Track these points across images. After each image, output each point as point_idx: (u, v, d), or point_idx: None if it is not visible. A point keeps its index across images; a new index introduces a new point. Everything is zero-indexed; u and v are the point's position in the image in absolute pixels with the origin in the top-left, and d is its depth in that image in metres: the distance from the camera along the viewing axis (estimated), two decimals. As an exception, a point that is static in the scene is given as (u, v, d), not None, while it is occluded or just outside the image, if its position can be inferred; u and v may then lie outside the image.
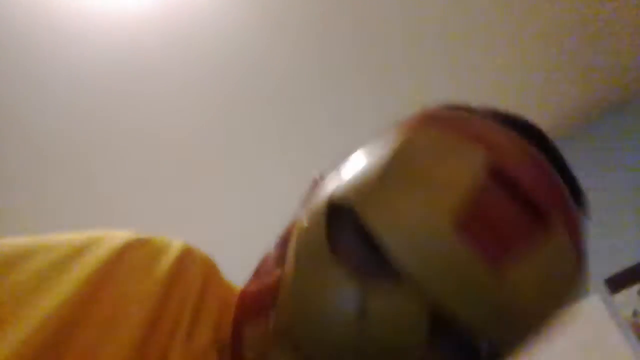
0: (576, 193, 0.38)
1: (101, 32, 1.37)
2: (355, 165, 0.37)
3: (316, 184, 0.42)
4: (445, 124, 0.36)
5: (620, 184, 1.77)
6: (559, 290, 0.34)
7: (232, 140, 1.75)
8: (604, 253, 1.71)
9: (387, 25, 1.51)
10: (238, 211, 2.03)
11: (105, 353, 0.29)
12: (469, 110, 0.39)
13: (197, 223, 2.02)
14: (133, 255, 0.34)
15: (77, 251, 0.32)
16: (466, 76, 1.71)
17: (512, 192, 0.33)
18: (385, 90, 1.70)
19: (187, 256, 0.37)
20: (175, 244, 0.37)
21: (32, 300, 0.28)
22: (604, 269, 1.68)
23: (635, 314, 1.60)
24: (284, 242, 0.39)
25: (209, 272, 0.38)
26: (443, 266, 0.31)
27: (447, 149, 0.34)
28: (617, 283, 1.66)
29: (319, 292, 0.33)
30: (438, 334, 0.32)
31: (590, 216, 1.78)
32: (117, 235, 0.34)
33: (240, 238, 2.12)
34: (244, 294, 0.40)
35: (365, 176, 0.35)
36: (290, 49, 1.52)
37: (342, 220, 0.34)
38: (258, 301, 0.38)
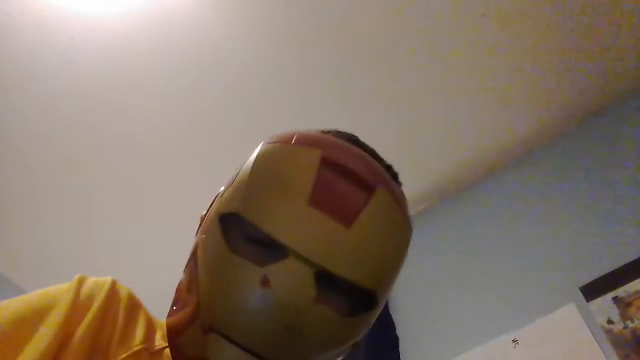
0: (392, 174, 0.54)
1: (86, 38, 1.43)
2: (232, 180, 0.50)
3: (202, 219, 0.53)
4: (280, 139, 0.49)
5: (591, 191, 1.77)
6: (394, 232, 0.48)
7: (217, 145, 1.79)
8: (579, 261, 1.70)
9: (371, 33, 1.56)
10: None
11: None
12: (320, 131, 0.54)
13: (183, 228, 2.05)
14: (79, 302, 0.43)
15: (39, 313, 0.40)
16: (462, 85, 1.75)
17: (343, 173, 0.46)
18: (368, 97, 1.74)
19: (114, 287, 0.47)
20: (105, 281, 0.47)
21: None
22: (579, 276, 1.67)
23: (610, 321, 1.58)
24: (192, 266, 0.48)
25: (132, 301, 0.48)
26: (310, 234, 0.42)
27: (291, 154, 0.47)
28: (592, 291, 1.64)
29: (230, 282, 0.42)
30: (325, 287, 0.42)
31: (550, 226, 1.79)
32: (63, 297, 0.43)
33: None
34: (170, 324, 0.48)
35: (239, 188, 0.47)
36: (275, 56, 1.58)
37: (232, 224, 0.45)
38: (182, 316, 0.46)
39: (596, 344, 1.56)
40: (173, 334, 0.46)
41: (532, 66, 1.73)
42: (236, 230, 0.45)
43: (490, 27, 1.59)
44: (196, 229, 0.53)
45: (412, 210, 2.13)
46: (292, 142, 0.48)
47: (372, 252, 0.45)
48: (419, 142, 1.92)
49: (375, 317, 0.50)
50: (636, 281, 1.61)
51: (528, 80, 1.77)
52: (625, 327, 1.55)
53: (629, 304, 1.58)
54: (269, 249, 0.42)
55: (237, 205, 0.45)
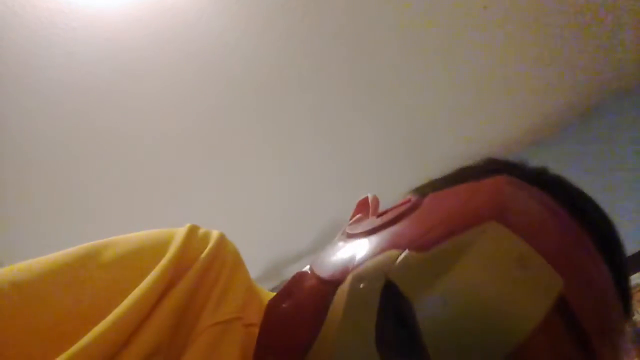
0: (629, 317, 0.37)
1: (87, 31, 1.43)
2: (421, 242, 0.33)
3: (364, 207, 0.43)
4: (525, 225, 0.33)
5: (590, 185, 1.78)
6: None
7: (217, 140, 1.79)
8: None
9: (375, 29, 1.56)
10: (222, 212, 2.05)
11: (154, 317, 0.33)
12: (522, 181, 0.37)
13: (183, 224, 2.04)
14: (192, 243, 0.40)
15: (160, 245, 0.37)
16: (463, 77, 1.75)
17: (572, 330, 0.31)
18: (371, 91, 1.74)
19: (222, 242, 0.42)
20: (214, 233, 0.43)
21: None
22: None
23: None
24: (331, 282, 0.36)
25: (237, 260, 0.43)
26: None
27: (520, 266, 0.31)
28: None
29: None
30: None
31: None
32: (172, 245, 0.39)
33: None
34: (273, 309, 0.40)
35: (429, 271, 0.32)
36: (277, 50, 1.57)
37: (394, 302, 0.32)
38: (289, 333, 0.37)
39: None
40: (269, 327, 0.39)
41: (532, 60, 1.73)
42: (395, 317, 0.32)
43: (491, 20, 1.59)
44: (349, 220, 0.42)
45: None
46: (536, 241, 0.32)
47: None
48: (419, 136, 1.92)
49: None
50: (637, 274, 1.62)
51: (527, 75, 1.78)
52: (627, 319, 1.56)
53: (632, 296, 1.58)
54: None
55: (414, 289, 0.31)
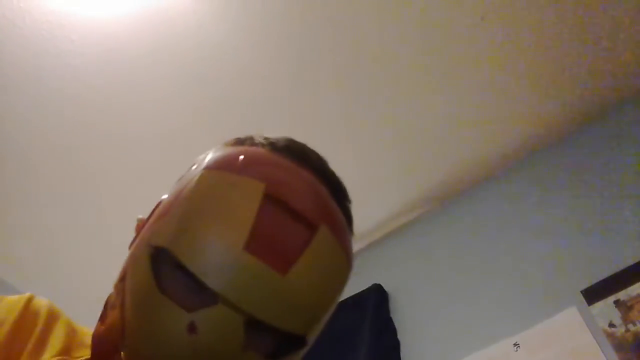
0: (341, 199, 0.52)
1: (86, 42, 1.44)
2: (162, 211, 0.47)
3: (138, 228, 0.52)
4: (228, 164, 0.46)
5: (593, 194, 1.77)
6: (331, 275, 0.46)
7: (215, 145, 1.79)
8: (580, 264, 1.70)
9: (371, 33, 1.56)
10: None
11: None
12: (251, 143, 0.51)
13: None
14: None
15: None
16: (462, 86, 1.75)
17: (286, 211, 0.43)
18: (366, 95, 1.74)
19: (30, 302, 0.48)
20: (24, 297, 0.49)
21: None
22: (580, 280, 1.67)
23: (611, 325, 1.58)
24: (121, 284, 0.46)
25: (52, 313, 0.49)
26: (243, 281, 0.40)
27: (234, 188, 0.43)
28: (593, 294, 1.64)
29: (156, 325, 0.40)
30: (254, 334, 0.41)
31: (547, 230, 1.78)
32: None
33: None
34: (96, 335, 0.47)
35: (172, 220, 0.44)
36: (274, 57, 1.58)
37: (160, 256, 0.43)
38: (108, 339, 0.45)
39: (598, 347, 1.56)
40: (96, 351, 0.46)
41: (531, 68, 1.73)
42: (166, 266, 0.42)
43: (490, 30, 1.59)
44: (133, 236, 0.51)
45: (411, 215, 2.14)
46: (238, 169, 0.45)
47: (307, 300, 0.43)
48: (416, 144, 1.92)
49: (304, 352, 0.49)
50: (638, 284, 1.60)
51: (527, 84, 1.78)
52: (627, 330, 1.55)
53: (630, 307, 1.57)
54: (199, 293, 0.40)
55: (168, 240, 0.42)
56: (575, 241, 1.73)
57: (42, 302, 0.48)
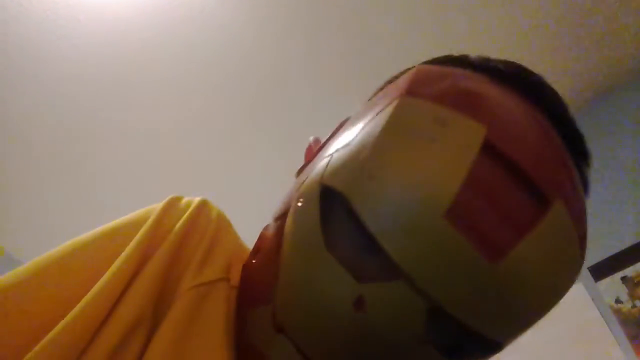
0: (581, 155, 0.36)
1: (93, 23, 1.42)
2: (345, 140, 0.35)
3: (310, 151, 0.43)
4: (437, 92, 0.33)
5: (599, 171, 1.78)
6: (558, 272, 0.32)
7: (217, 134, 1.79)
8: (587, 241, 1.71)
9: (376, 23, 1.54)
10: (224, 206, 2.05)
11: (132, 289, 0.32)
12: (463, 63, 0.37)
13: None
14: (172, 211, 0.39)
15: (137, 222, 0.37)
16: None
17: (511, 174, 0.30)
18: (375, 83, 1.73)
19: (204, 207, 0.41)
20: (195, 200, 0.42)
21: None
22: (587, 256, 1.68)
23: (618, 301, 1.60)
24: (281, 220, 0.37)
25: (222, 223, 0.42)
26: (436, 259, 0.29)
27: (443, 128, 0.31)
28: (600, 270, 1.66)
29: (316, 288, 0.32)
30: (436, 326, 0.31)
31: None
32: (149, 218, 0.39)
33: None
34: (246, 268, 0.40)
35: (354, 158, 0.32)
36: (278, 46, 1.56)
37: (334, 203, 0.32)
38: (259, 283, 0.37)
39: (605, 323, 1.58)
40: (244, 288, 0.39)
41: (536, 47, 1.72)
42: (339, 216, 0.32)
43: (492, 7, 1.58)
44: (303, 161, 0.42)
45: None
46: (450, 101, 0.32)
47: (520, 301, 0.30)
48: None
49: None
50: (637, 264, 1.62)
51: (528, 63, 1.77)
52: (634, 306, 1.57)
53: (637, 284, 1.59)
54: (374, 259, 0.31)
55: (346, 182, 0.32)
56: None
57: (214, 208, 0.42)
